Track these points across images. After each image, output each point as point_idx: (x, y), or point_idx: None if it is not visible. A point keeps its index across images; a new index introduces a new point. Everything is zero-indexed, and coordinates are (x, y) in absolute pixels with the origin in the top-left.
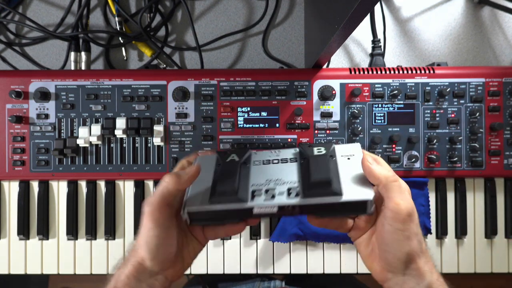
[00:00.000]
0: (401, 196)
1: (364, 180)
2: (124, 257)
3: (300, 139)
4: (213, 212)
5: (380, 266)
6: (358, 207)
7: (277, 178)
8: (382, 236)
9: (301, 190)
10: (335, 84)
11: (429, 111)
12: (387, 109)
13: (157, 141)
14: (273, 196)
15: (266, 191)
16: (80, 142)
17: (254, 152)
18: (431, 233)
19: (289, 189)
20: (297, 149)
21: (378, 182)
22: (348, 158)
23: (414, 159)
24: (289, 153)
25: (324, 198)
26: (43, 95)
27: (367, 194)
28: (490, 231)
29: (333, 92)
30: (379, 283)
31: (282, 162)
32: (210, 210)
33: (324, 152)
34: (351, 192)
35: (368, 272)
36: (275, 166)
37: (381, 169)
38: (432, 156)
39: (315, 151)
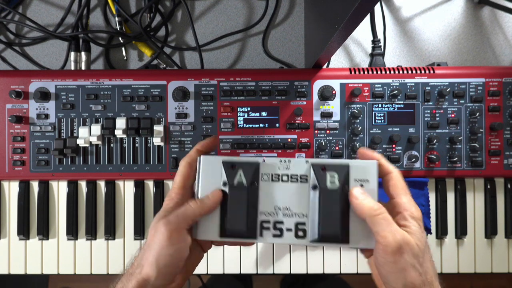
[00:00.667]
0: (388, 229)
1: None
2: (125, 267)
3: (300, 139)
4: (224, 242)
5: None
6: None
7: (286, 206)
8: (378, 267)
9: (309, 230)
10: (335, 84)
11: (429, 111)
12: (387, 109)
13: (157, 141)
14: (281, 233)
15: (275, 224)
16: (80, 142)
17: (262, 161)
18: (431, 233)
19: (297, 225)
20: (309, 162)
21: (364, 217)
22: (361, 185)
23: (414, 159)
24: (300, 167)
25: (331, 244)
26: (43, 95)
27: (371, 242)
28: (490, 231)
29: (333, 92)
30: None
31: (292, 181)
32: (222, 241)
33: (337, 184)
34: (357, 238)
35: (368, 272)
36: (284, 187)
37: (366, 203)
38: (432, 156)
39: (328, 180)
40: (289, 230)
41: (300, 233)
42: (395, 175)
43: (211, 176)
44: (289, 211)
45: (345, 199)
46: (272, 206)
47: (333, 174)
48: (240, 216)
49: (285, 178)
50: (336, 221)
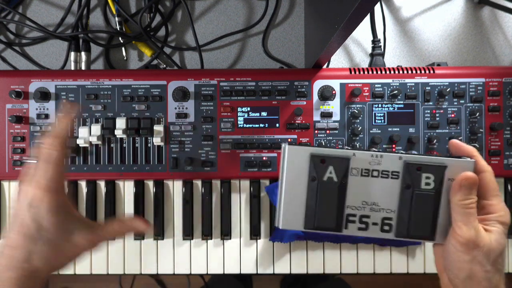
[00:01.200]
0: (468, 222)
1: None
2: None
3: (300, 139)
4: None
5: (446, 279)
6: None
7: (374, 201)
8: (446, 253)
9: (396, 225)
10: (335, 84)
11: (429, 111)
12: (387, 109)
13: (157, 141)
14: (366, 226)
15: (361, 218)
16: (80, 142)
17: (353, 155)
18: None
19: (383, 219)
20: (402, 159)
21: (452, 204)
22: None
23: None
24: (392, 162)
25: (417, 239)
26: (43, 95)
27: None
28: None
29: (333, 92)
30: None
31: (382, 177)
32: (304, 231)
33: (432, 186)
34: (442, 235)
35: (368, 272)
36: (374, 182)
37: (460, 195)
38: None
39: (424, 181)
40: (375, 224)
41: (386, 227)
42: (488, 174)
43: (297, 168)
44: (376, 206)
45: (438, 198)
46: (360, 201)
47: (429, 176)
48: (329, 211)
49: (375, 173)
50: (428, 222)
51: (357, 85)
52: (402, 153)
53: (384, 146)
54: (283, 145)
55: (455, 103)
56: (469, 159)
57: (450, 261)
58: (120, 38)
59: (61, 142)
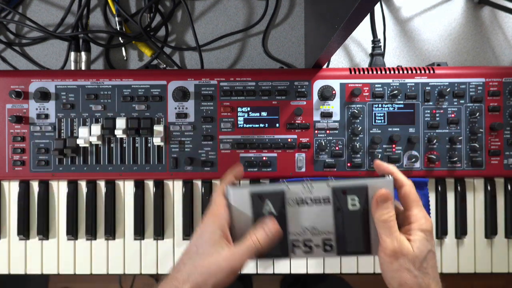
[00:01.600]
0: (390, 235)
1: None
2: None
3: (300, 139)
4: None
5: None
6: None
7: (313, 226)
8: (380, 266)
9: (335, 245)
10: (335, 84)
11: (429, 111)
12: (387, 109)
13: (157, 141)
14: (310, 249)
15: (304, 242)
16: (80, 142)
17: (286, 187)
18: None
19: (324, 241)
20: (330, 184)
21: (375, 221)
22: None
23: (414, 159)
24: (322, 190)
25: (356, 255)
26: (43, 95)
27: None
28: (490, 231)
29: (333, 92)
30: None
31: (316, 203)
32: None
33: (358, 206)
34: (377, 248)
35: (368, 272)
36: (309, 209)
37: (379, 211)
38: (432, 156)
39: (350, 203)
40: (317, 246)
41: (328, 248)
42: (407, 187)
43: (241, 207)
44: (315, 230)
45: (366, 216)
46: (300, 227)
47: (353, 197)
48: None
49: (309, 201)
50: (360, 238)
51: (357, 85)
52: (329, 179)
53: (384, 146)
54: (226, 188)
55: (455, 103)
56: (388, 177)
57: (384, 271)
58: (120, 38)
59: None
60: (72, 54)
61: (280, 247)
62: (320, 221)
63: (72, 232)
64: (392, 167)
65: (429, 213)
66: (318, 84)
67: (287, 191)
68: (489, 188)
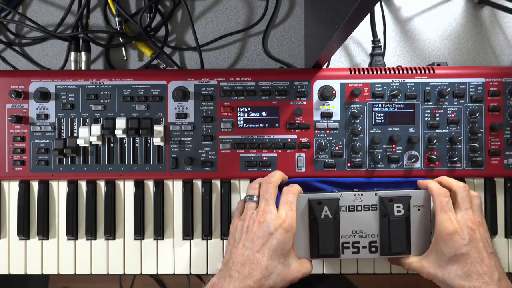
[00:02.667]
0: (441, 211)
1: (426, 233)
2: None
3: (300, 139)
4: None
5: (440, 273)
6: None
7: (361, 229)
8: (436, 237)
9: (380, 246)
10: (335, 84)
11: (429, 111)
12: (387, 109)
13: (157, 141)
14: (358, 250)
15: (353, 244)
16: (80, 142)
17: (340, 196)
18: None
19: (370, 243)
20: (377, 195)
21: (433, 195)
22: (419, 209)
23: (414, 159)
24: (370, 198)
25: (397, 255)
26: (43, 95)
27: (425, 248)
28: (490, 231)
29: (333, 92)
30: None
31: (364, 210)
32: (311, 259)
33: (402, 212)
34: (416, 249)
35: (368, 272)
36: (359, 214)
37: (435, 187)
38: (432, 156)
39: (395, 209)
40: (364, 247)
41: (373, 249)
42: (435, 198)
43: (300, 209)
44: (363, 233)
45: (408, 221)
46: (350, 230)
47: (399, 205)
48: (328, 241)
49: (359, 208)
50: (403, 240)
51: (357, 85)
52: (377, 190)
53: (384, 146)
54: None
55: (455, 103)
56: (424, 190)
57: (438, 240)
58: (120, 38)
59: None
60: (72, 54)
61: (333, 248)
62: (367, 225)
63: (72, 232)
64: (429, 184)
65: None
66: (318, 84)
67: (341, 199)
68: (489, 188)
